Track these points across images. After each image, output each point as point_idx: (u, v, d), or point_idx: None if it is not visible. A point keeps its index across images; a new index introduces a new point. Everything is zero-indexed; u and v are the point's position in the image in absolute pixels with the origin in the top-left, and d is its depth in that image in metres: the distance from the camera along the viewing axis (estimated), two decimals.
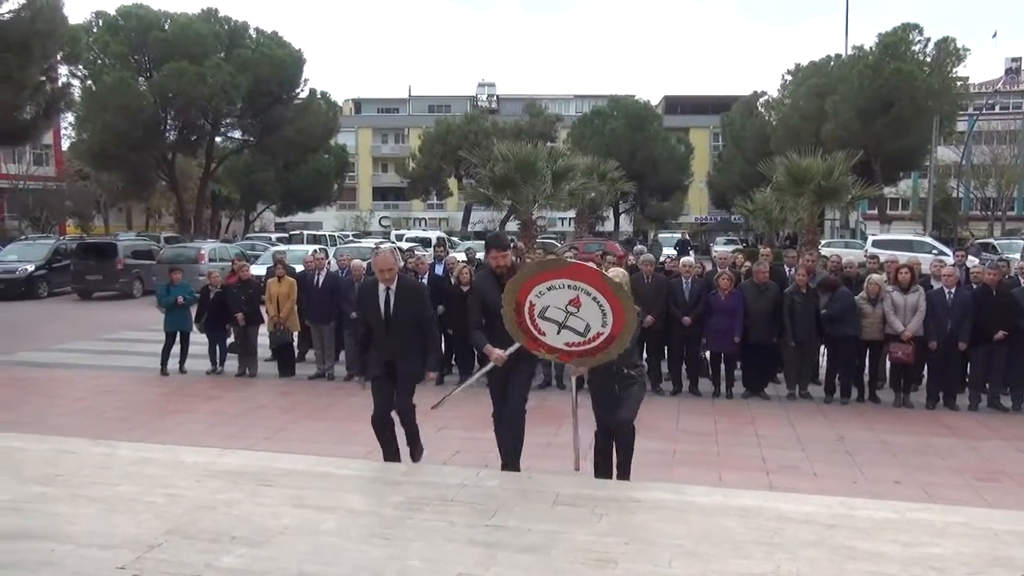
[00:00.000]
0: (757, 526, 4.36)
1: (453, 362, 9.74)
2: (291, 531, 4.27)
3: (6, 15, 17.60)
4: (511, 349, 5.11)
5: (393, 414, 5.64)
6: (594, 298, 4.72)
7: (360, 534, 4.26)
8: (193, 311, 10.44)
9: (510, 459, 5.52)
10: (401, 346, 5.50)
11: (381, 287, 5.52)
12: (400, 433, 5.75)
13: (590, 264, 5.10)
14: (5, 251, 22.57)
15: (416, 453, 5.85)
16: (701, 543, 4.12)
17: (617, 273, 5.26)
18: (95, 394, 9.07)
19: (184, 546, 4.05)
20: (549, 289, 4.80)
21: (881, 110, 33.39)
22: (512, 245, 6.34)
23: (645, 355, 9.31)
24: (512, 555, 3.98)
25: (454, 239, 34.83)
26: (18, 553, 3.94)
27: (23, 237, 29.04)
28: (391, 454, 5.72)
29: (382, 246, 6.31)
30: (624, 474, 5.29)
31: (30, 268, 20.83)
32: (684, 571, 3.81)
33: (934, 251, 23.95)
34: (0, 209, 38.35)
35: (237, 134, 39.29)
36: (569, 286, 4.75)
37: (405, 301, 5.51)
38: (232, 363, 10.32)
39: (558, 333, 4.88)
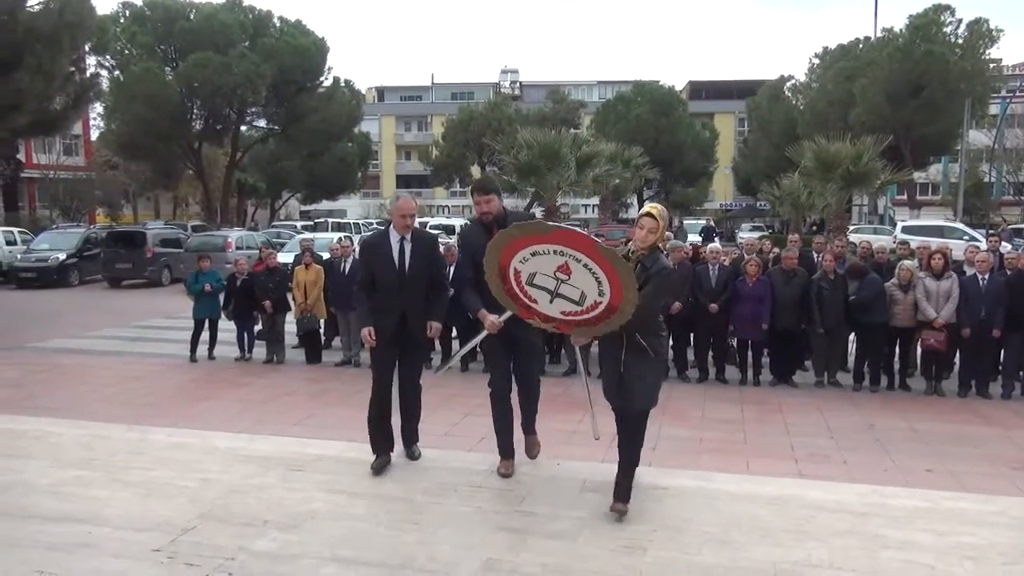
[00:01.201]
0: (787, 514, 4.33)
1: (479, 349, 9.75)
2: (322, 516, 4.33)
3: (35, 6, 17.80)
4: (505, 316, 4.59)
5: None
6: (585, 264, 4.04)
7: (390, 519, 4.30)
8: (222, 298, 10.55)
9: (528, 422, 5.16)
10: (413, 305, 4.99)
11: (394, 237, 4.99)
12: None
13: (580, 230, 4.29)
14: (37, 240, 22.97)
15: (413, 440, 5.32)
16: (731, 531, 4.11)
17: (658, 211, 4.34)
18: (126, 380, 9.21)
19: (218, 530, 4.12)
20: (533, 255, 4.16)
21: (911, 93, 32.77)
22: (537, 216, 5.46)
23: (671, 341, 9.29)
24: (541, 541, 4.00)
25: None
26: (57, 535, 4.03)
27: (54, 226, 29.51)
28: (381, 444, 5.16)
29: (401, 192, 5.75)
30: (626, 477, 4.41)
31: (61, 257, 21.17)
32: (714, 558, 3.80)
33: (965, 237, 23.56)
34: (31, 199, 38.99)
35: (262, 123, 39.59)
36: (555, 251, 4.09)
37: (421, 253, 5.00)
38: (260, 350, 10.43)
39: (551, 302, 4.27)
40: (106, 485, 4.79)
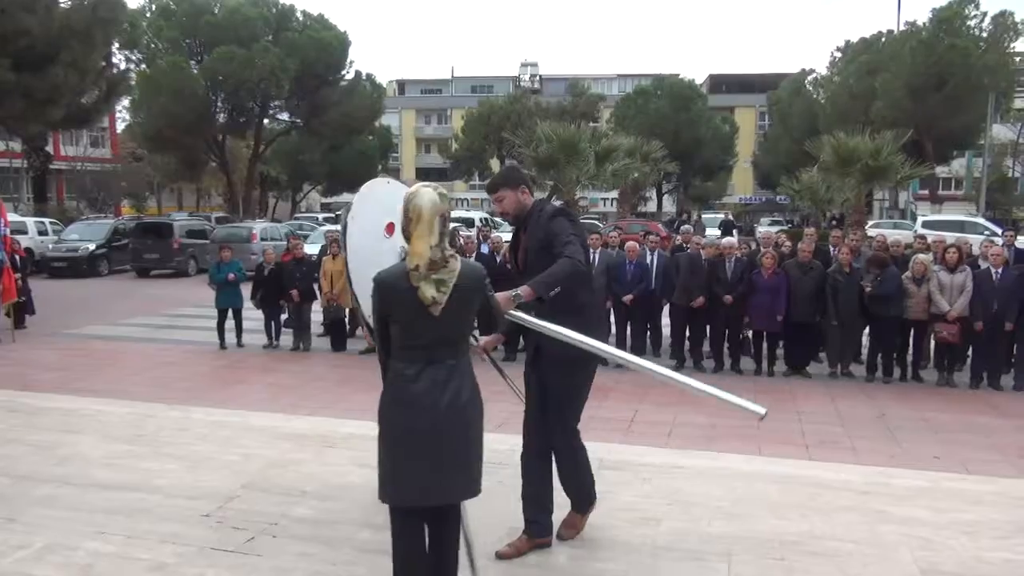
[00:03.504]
0: (794, 491, 4.58)
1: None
2: (356, 488, 4.63)
3: (69, 2, 18.32)
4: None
5: None
6: None
7: None
8: (244, 288, 10.87)
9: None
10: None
11: None
12: None
13: None
14: (68, 231, 23.52)
15: None
16: (739, 505, 4.36)
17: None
18: (160, 366, 9.59)
19: (260, 498, 4.44)
20: None
21: (934, 87, 32.57)
22: (567, 209, 3.97)
23: (688, 332, 9.53)
24: (560, 512, 4.26)
25: (497, 219, 35.09)
26: (116, 500, 4.37)
27: (83, 217, 30.14)
28: None
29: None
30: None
31: (91, 247, 21.70)
32: (723, 529, 4.06)
33: (986, 232, 23.45)
34: (60, 190, 39.78)
35: (285, 116, 40.09)
36: None
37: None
38: (287, 338, 10.76)
39: None
40: (155, 458, 5.13)
